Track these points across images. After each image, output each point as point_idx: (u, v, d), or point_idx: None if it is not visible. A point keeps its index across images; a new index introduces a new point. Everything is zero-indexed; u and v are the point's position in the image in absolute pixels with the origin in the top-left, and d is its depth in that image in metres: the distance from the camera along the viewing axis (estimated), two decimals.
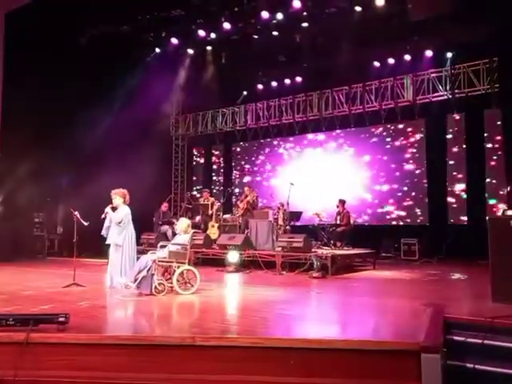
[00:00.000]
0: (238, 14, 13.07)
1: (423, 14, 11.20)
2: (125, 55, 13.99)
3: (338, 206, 12.19)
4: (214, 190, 17.54)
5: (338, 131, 15.43)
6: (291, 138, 16.49)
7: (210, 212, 12.90)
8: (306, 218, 12.94)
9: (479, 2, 10.70)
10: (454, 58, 13.17)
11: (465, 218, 13.08)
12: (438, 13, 10.92)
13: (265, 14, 12.70)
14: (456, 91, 13.10)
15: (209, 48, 15.00)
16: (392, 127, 14.57)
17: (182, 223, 7.55)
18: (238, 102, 17.09)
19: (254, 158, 17.41)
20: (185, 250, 7.13)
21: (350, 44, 12.42)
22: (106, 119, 13.23)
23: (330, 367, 3.98)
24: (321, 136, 15.87)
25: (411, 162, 14.12)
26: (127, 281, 7.16)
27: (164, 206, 13.67)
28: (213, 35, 13.98)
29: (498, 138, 12.27)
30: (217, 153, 18.46)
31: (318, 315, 5.89)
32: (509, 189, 11.12)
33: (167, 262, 7.03)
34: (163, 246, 7.34)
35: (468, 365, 4.36)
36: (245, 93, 16.91)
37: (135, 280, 6.87)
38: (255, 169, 17.35)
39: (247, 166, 17.57)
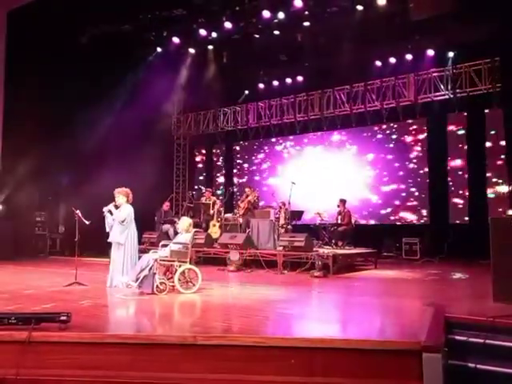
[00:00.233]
0: (240, 14, 13.07)
1: (425, 14, 11.19)
2: (126, 55, 13.99)
3: (338, 206, 12.19)
4: (218, 191, 17.53)
5: (339, 130, 15.43)
6: (292, 138, 16.50)
7: (211, 211, 12.90)
8: (308, 217, 12.95)
9: (481, 2, 10.71)
10: (456, 58, 13.15)
11: (466, 218, 13.08)
12: (439, 12, 10.90)
13: (266, 14, 12.70)
14: (457, 91, 13.09)
15: (210, 47, 15.00)
16: (393, 127, 14.56)
17: (184, 222, 7.55)
18: (239, 102, 17.09)
19: (255, 158, 17.41)
20: (186, 249, 7.14)
21: (351, 43, 12.40)
22: (107, 118, 13.24)
23: (332, 367, 3.98)
24: (322, 135, 15.86)
25: (413, 161, 14.12)
26: (129, 280, 7.17)
27: (166, 205, 13.68)
28: (214, 34, 13.98)
29: (500, 137, 12.25)
30: (218, 152, 18.47)
31: (320, 314, 5.89)
32: (510, 188, 11.12)
33: (169, 261, 7.03)
34: (165, 245, 7.35)
35: (469, 364, 4.36)
36: (246, 92, 16.92)
37: (137, 279, 6.88)
38: (256, 168, 17.36)
39: (248, 166, 17.58)
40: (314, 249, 10.27)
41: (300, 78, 15.62)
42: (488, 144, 12.82)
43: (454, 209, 13.34)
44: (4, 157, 13.04)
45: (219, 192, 17.27)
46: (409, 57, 13.65)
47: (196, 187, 17.87)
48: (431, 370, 3.73)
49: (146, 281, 6.79)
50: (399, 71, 13.85)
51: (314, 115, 15.50)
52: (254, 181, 16.96)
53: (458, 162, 13.39)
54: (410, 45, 13.33)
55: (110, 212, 7.69)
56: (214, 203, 13.01)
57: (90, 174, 12.38)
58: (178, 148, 18.58)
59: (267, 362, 4.05)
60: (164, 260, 7.02)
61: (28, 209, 13.84)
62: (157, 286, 6.74)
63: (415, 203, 13.98)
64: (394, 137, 14.56)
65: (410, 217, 14.03)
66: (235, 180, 17.76)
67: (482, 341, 4.45)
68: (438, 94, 13.44)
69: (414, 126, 14.25)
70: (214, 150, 18.58)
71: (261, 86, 16.40)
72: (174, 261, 7.00)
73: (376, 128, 14.83)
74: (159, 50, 15.09)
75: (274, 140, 16.92)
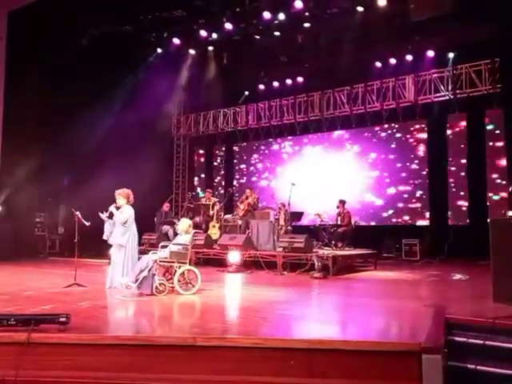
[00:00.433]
0: (240, 15, 13.08)
1: (425, 14, 11.18)
2: (126, 55, 14.01)
3: (338, 207, 12.18)
4: (219, 192, 17.53)
5: (339, 131, 15.43)
6: (292, 138, 16.49)
7: (211, 212, 12.89)
8: (308, 218, 12.94)
9: (481, 2, 10.70)
10: (456, 58, 13.17)
11: (466, 219, 13.07)
12: (439, 13, 10.89)
13: (266, 15, 12.72)
14: (458, 91, 13.10)
15: (210, 48, 15.02)
16: (393, 128, 14.56)
17: (183, 223, 7.54)
18: (239, 102, 17.11)
19: (255, 158, 17.41)
20: (186, 251, 7.13)
21: (351, 44, 12.42)
22: (107, 119, 13.25)
23: (331, 368, 3.97)
24: (322, 136, 15.86)
25: (413, 162, 14.12)
26: (128, 281, 7.15)
27: (165, 206, 13.67)
28: (214, 35, 14.00)
29: (500, 137, 12.25)
30: (218, 153, 18.47)
31: (319, 316, 5.88)
32: (511, 189, 11.11)
33: (168, 262, 7.03)
34: (164, 246, 7.33)
35: (469, 365, 4.35)
36: (246, 93, 16.93)
37: (136, 280, 6.86)
38: (256, 169, 17.36)
39: (247, 167, 17.58)
40: (314, 250, 10.26)
41: (300, 79, 15.64)
42: (488, 144, 12.81)
43: (453, 209, 13.33)
44: (4, 157, 13.04)
45: (219, 192, 17.27)
46: (409, 57, 13.67)
47: (194, 193, 17.81)
48: (431, 372, 3.73)
49: (145, 282, 6.78)
50: (399, 72, 13.86)
51: (314, 116, 15.51)
52: (254, 182, 16.96)
53: (458, 163, 13.38)
54: (410, 45, 13.35)
55: (110, 216, 7.65)
56: (214, 204, 13.00)
57: (90, 175, 12.38)
58: (178, 149, 18.58)
59: (266, 363, 4.04)
60: (163, 261, 7.01)
61: (28, 209, 13.83)
62: (156, 287, 6.73)
63: (415, 204, 13.97)
64: (394, 138, 14.56)
65: (410, 218, 14.01)
66: (235, 181, 17.75)
67: (481, 342, 4.44)
68: (438, 94, 13.44)
69: (415, 127, 14.25)
70: (213, 151, 18.58)
71: (261, 86, 16.41)
72: (173, 262, 7.00)
73: (376, 129, 14.83)
74: (159, 50, 15.12)
75: (273, 141, 16.91)
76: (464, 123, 13.41)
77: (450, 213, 13.36)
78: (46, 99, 12.74)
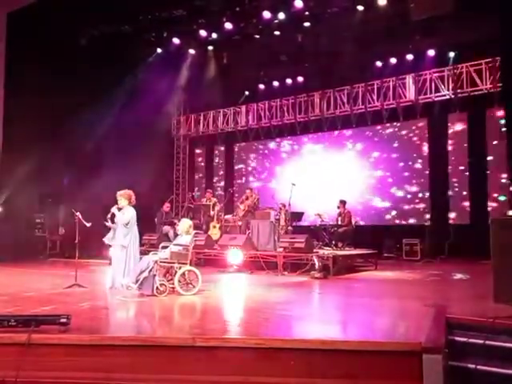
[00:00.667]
0: (240, 14, 13.07)
1: (425, 14, 11.18)
2: (126, 55, 13.99)
3: (338, 207, 12.16)
4: (219, 193, 17.52)
5: (339, 131, 15.41)
6: (293, 138, 16.48)
7: (211, 213, 12.88)
8: (308, 218, 12.92)
9: (481, 1, 10.67)
10: (456, 58, 13.15)
11: (467, 218, 13.05)
12: (439, 12, 10.90)
13: (266, 14, 12.70)
14: (458, 91, 13.08)
15: (210, 48, 15.02)
16: (394, 127, 14.54)
17: (184, 224, 7.54)
18: (239, 102, 17.09)
19: (255, 159, 17.40)
20: (186, 251, 7.13)
21: (351, 44, 12.42)
22: (107, 120, 13.24)
23: (332, 368, 3.96)
24: (322, 136, 15.84)
25: (414, 161, 14.10)
26: (129, 282, 7.15)
27: (166, 207, 13.65)
28: (214, 35, 13.99)
29: (501, 137, 12.22)
30: (218, 153, 18.46)
31: (320, 316, 5.88)
32: (511, 189, 11.09)
33: (169, 262, 7.02)
34: (165, 247, 7.33)
35: (470, 365, 4.34)
36: (246, 93, 16.92)
37: (137, 281, 6.87)
38: (256, 169, 17.34)
39: (248, 167, 17.57)
40: (315, 250, 10.26)
41: (300, 79, 15.62)
42: (489, 143, 12.79)
43: (454, 209, 13.31)
44: (4, 157, 13.03)
45: (218, 193, 17.26)
46: (409, 57, 13.66)
47: (194, 194, 17.80)
48: (431, 371, 3.72)
49: (145, 282, 6.78)
50: (400, 71, 13.85)
51: (315, 116, 15.50)
52: (254, 182, 16.94)
53: (459, 163, 13.36)
54: (410, 45, 13.33)
55: (112, 217, 7.62)
56: (215, 204, 12.98)
57: (90, 176, 12.39)
58: (178, 149, 18.58)
59: (267, 363, 4.04)
60: (164, 262, 7.00)
61: (28, 210, 13.83)
62: (157, 288, 6.73)
63: (416, 204, 13.95)
64: (395, 137, 14.53)
65: (411, 217, 14.00)
66: (235, 181, 17.73)
67: (482, 342, 4.44)
68: (438, 94, 13.42)
69: (415, 127, 14.22)
70: (214, 151, 18.56)
71: (261, 86, 16.40)
72: (174, 262, 6.99)
73: (377, 128, 14.81)
74: (159, 50, 15.10)
75: (274, 141, 16.90)
76: (465, 122, 13.39)
77: (451, 212, 13.33)
78: (46, 99, 12.73)
